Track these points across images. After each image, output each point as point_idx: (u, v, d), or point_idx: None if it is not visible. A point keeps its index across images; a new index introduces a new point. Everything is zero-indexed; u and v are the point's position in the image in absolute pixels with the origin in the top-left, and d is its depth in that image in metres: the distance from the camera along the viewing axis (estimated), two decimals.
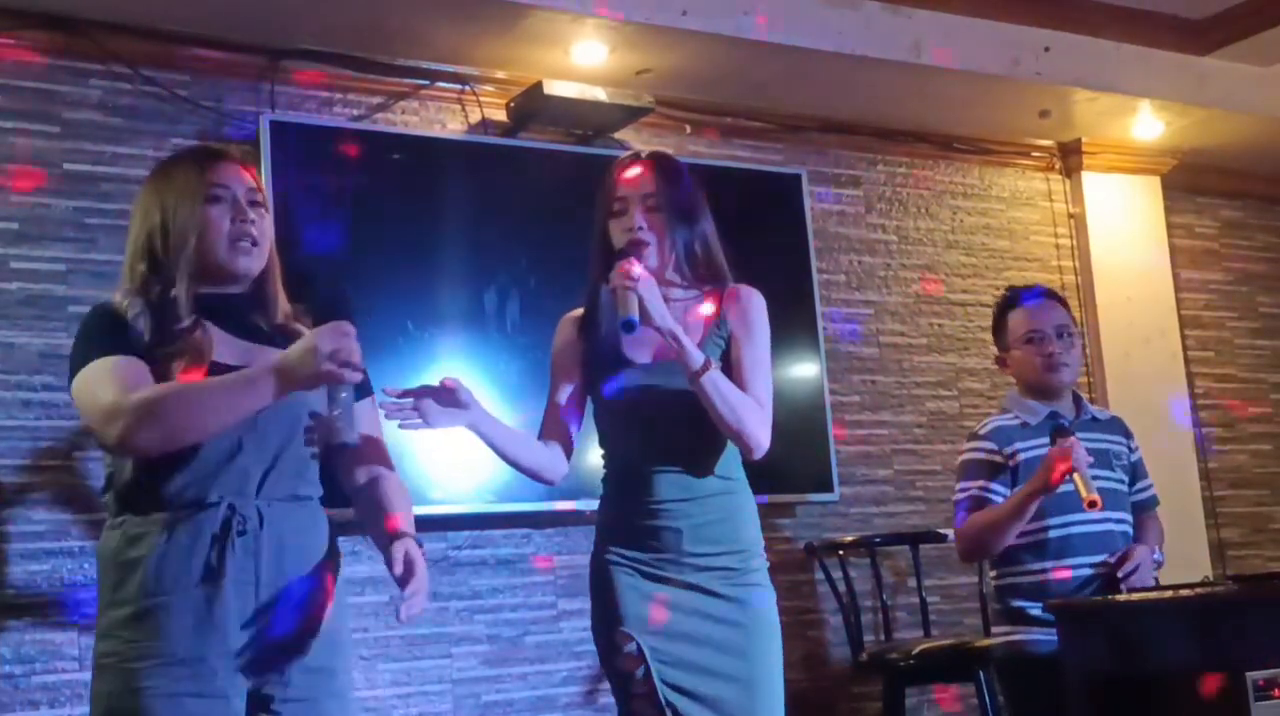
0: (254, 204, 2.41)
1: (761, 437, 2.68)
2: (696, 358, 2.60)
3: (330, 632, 2.33)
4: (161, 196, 2.38)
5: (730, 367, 2.71)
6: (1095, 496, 3.23)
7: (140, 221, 2.39)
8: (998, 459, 3.51)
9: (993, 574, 3.59)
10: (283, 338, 2.40)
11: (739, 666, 2.65)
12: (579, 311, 2.86)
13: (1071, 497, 3.31)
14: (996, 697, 4.38)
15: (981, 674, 4.34)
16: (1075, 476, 3.26)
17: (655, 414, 2.71)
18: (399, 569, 2.32)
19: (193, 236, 2.33)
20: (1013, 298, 3.72)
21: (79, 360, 2.29)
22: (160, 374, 2.25)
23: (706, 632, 2.65)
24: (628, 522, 2.70)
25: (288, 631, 2.27)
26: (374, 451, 2.51)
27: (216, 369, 2.28)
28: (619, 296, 2.58)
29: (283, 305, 2.47)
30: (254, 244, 2.38)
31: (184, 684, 2.18)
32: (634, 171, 2.76)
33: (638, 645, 2.61)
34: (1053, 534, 3.44)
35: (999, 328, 3.71)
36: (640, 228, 2.70)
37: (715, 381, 2.62)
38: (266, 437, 2.30)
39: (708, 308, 2.77)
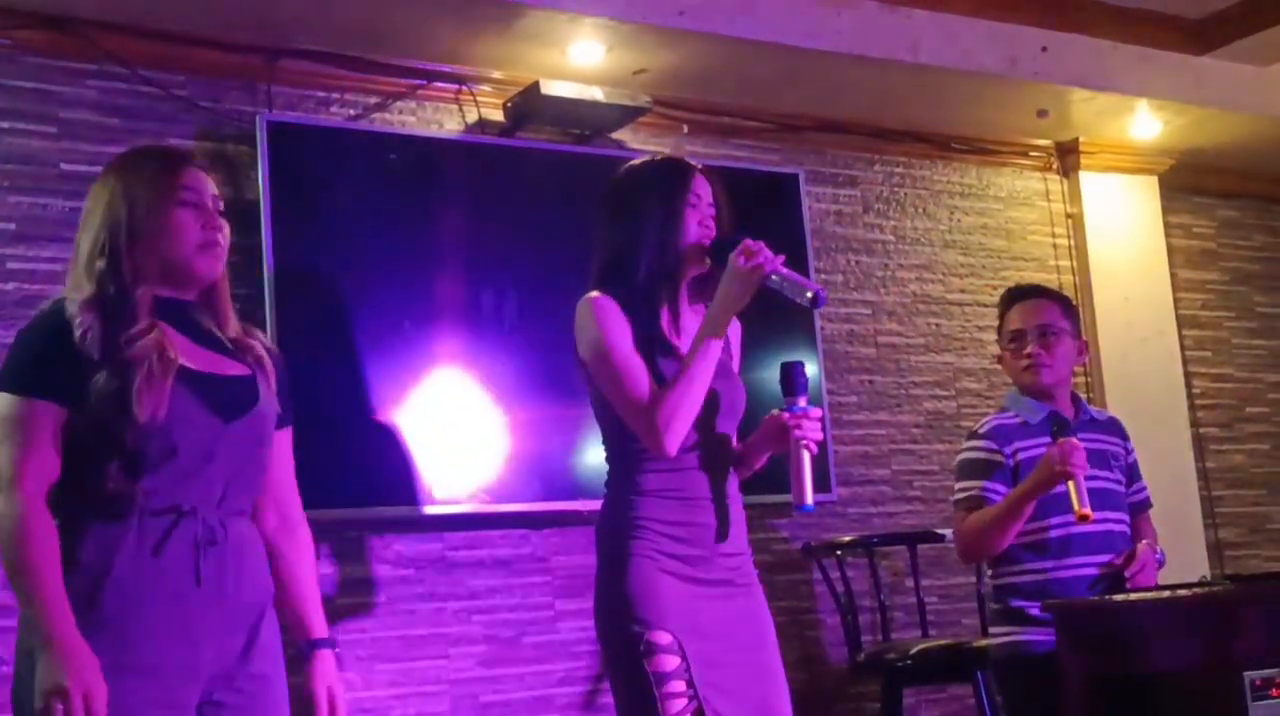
0: (219, 212, 2.40)
1: None
2: None
3: (268, 638, 2.33)
4: (128, 191, 2.33)
5: None
6: (1088, 511, 3.21)
7: (102, 215, 2.33)
8: (998, 458, 3.49)
9: (990, 573, 3.58)
10: (241, 350, 2.40)
11: (759, 658, 2.70)
12: (608, 297, 2.73)
13: (1067, 497, 3.31)
14: (994, 698, 4.38)
15: (980, 674, 4.33)
16: (1070, 484, 3.24)
17: (708, 414, 2.71)
18: (324, 712, 2.40)
19: (163, 238, 2.31)
20: (1008, 297, 3.71)
21: (6, 374, 2.27)
22: (120, 382, 2.21)
23: (730, 630, 2.67)
24: (665, 518, 2.67)
25: (242, 638, 2.28)
26: (287, 491, 2.50)
27: (185, 374, 2.26)
28: (787, 277, 2.65)
29: (233, 318, 2.45)
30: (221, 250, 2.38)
31: (143, 693, 2.16)
32: (704, 177, 2.81)
33: (679, 643, 2.59)
34: (1053, 533, 3.43)
35: (998, 328, 3.72)
36: (710, 225, 2.77)
37: None
38: (237, 449, 2.29)
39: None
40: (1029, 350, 3.55)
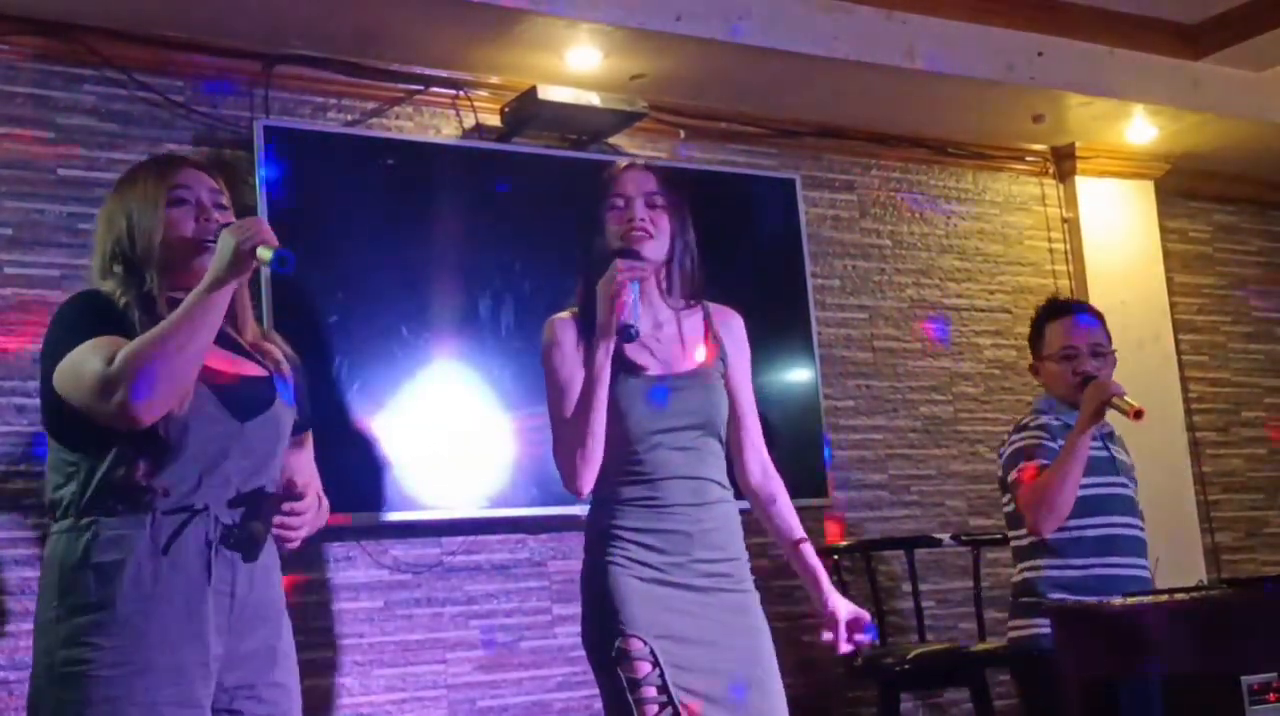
0: (219, 207, 2.38)
1: None
2: None
3: (287, 648, 2.33)
4: (125, 203, 2.35)
5: (728, 386, 2.83)
6: (1141, 407, 3.40)
7: (105, 231, 2.36)
8: (1052, 446, 3.57)
9: (1027, 565, 3.59)
10: (259, 354, 2.39)
11: (750, 668, 2.70)
12: (568, 314, 2.81)
13: (1111, 499, 3.47)
14: (992, 703, 4.38)
15: (1007, 671, 4.31)
16: (1115, 401, 3.43)
17: (670, 424, 2.72)
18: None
19: (157, 238, 2.30)
20: (1054, 309, 3.81)
21: (62, 347, 2.22)
22: None
23: (715, 635, 2.67)
24: (636, 526, 2.69)
25: (259, 645, 2.27)
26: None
27: (203, 373, 2.24)
28: (613, 300, 2.62)
29: (252, 323, 2.44)
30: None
31: (162, 692, 2.14)
32: (633, 172, 2.80)
33: (651, 649, 2.61)
34: (1097, 532, 3.52)
35: (1036, 336, 3.79)
36: (643, 219, 2.74)
37: None
38: (252, 448, 2.29)
39: (698, 321, 2.85)
40: (1085, 368, 3.64)
